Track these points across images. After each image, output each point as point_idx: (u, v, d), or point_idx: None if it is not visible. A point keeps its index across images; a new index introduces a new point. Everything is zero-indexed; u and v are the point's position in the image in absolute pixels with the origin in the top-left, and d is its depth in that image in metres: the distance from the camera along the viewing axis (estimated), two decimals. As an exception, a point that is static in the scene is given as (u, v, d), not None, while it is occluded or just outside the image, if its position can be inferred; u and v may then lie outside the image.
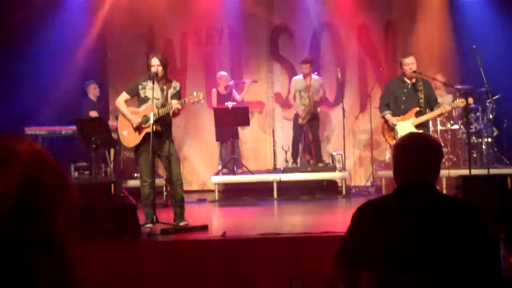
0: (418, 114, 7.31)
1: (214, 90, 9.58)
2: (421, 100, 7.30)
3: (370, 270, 2.31)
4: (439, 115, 7.65)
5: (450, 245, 2.20)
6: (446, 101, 8.18)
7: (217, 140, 9.56)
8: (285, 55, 10.19)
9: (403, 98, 7.38)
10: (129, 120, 6.14)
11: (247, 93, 9.65)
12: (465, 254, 2.20)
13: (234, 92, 9.45)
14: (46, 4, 9.40)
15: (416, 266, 2.19)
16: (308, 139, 9.47)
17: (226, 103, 8.85)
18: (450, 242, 2.21)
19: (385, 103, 7.54)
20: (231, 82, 9.54)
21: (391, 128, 7.40)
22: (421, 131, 7.26)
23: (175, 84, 6.23)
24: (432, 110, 7.40)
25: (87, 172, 8.86)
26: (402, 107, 7.37)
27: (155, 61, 6.07)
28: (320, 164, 9.15)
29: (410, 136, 2.46)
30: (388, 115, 7.40)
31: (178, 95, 6.18)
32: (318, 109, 9.44)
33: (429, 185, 2.34)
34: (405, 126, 7.24)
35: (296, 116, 9.34)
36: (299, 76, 9.41)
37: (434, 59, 9.86)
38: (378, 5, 10.10)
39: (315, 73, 9.38)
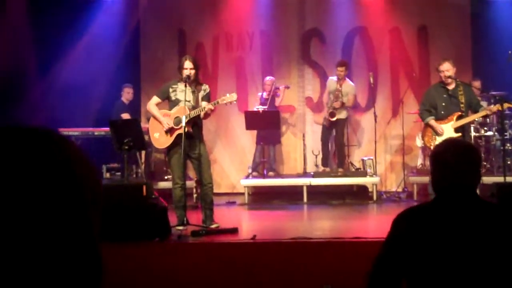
0: (459, 118, 7.14)
1: (260, 94, 9.60)
2: (462, 105, 7.10)
3: (409, 284, 2.22)
4: (484, 117, 7.50)
5: (495, 253, 2.11)
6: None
7: (257, 142, 9.48)
8: (317, 60, 10.14)
9: (443, 104, 7.19)
10: (161, 122, 6.21)
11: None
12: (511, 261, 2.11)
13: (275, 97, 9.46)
14: (80, 7, 9.55)
15: (460, 276, 2.11)
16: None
17: (257, 107, 8.86)
18: (495, 250, 2.11)
19: (426, 109, 7.31)
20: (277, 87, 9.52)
21: (434, 132, 7.21)
22: (459, 134, 7.10)
23: (205, 87, 6.31)
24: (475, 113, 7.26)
25: (118, 174, 8.96)
26: (442, 112, 7.17)
27: (188, 64, 6.15)
28: (340, 170, 8.99)
29: (446, 142, 2.41)
30: (432, 121, 7.18)
31: (208, 97, 6.28)
32: (346, 114, 9.22)
33: (470, 190, 2.25)
34: (446, 129, 7.09)
35: (325, 119, 9.25)
36: (334, 78, 9.26)
37: (467, 64, 9.71)
38: (410, 9, 9.98)
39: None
